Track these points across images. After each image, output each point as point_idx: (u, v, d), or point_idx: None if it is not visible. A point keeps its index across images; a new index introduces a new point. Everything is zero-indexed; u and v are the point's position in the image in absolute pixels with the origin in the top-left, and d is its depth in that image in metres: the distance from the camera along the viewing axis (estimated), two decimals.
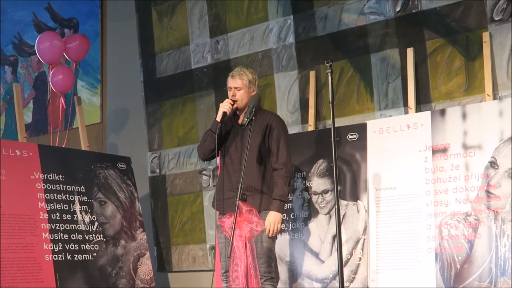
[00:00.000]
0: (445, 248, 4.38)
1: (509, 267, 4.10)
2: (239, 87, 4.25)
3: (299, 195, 5.03)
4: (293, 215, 5.00)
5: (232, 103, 4.23)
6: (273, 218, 4.14)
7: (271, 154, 4.25)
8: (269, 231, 4.13)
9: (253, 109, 4.21)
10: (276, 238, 4.30)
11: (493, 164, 4.30)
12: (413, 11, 4.91)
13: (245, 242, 4.17)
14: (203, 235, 5.91)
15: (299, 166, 5.03)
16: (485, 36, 4.57)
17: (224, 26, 5.94)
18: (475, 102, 4.57)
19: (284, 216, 5.04)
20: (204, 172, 5.96)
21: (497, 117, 4.32)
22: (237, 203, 4.11)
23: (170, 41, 6.29)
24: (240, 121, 4.31)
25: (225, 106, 4.21)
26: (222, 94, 5.89)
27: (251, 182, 4.18)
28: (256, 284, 4.09)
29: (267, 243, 4.20)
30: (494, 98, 4.48)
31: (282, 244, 4.95)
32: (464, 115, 4.46)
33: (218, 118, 4.23)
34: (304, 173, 5.01)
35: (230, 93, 4.27)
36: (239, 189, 4.06)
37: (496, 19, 4.57)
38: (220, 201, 4.29)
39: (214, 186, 5.84)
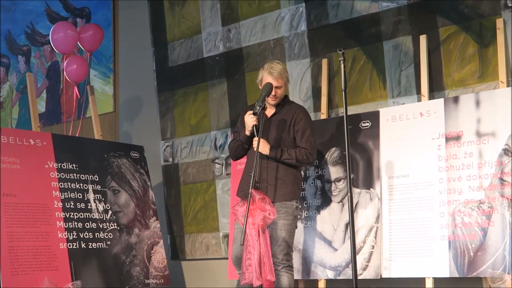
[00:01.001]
0: (458, 236, 4.37)
1: None
2: (280, 86, 4.33)
3: (312, 183, 5.03)
4: (306, 204, 5.01)
5: (254, 115, 4.24)
6: (263, 147, 4.19)
7: (296, 143, 4.33)
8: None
9: (265, 97, 4.26)
10: (296, 227, 4.36)
11: (506, 151, 4.28)
12: None
13: (258, 230, 4.19)
14: (216, 224, 5.93)
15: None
16: (499, 23, 4.53)
17: (236, 15, 5.93)
18: (489, 89, 4.54)
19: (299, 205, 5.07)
20: (217, 160, 5.98)
21: (510, 104, 4.30)
22: (250, 192, 4.12)
23: (182, 30, 6.29)
24: (269, 114, 4.39)
25: (253, 121, 4.23)
26: (234, 83, 5.90)
27: (275, 173, 4.25)
28: (270, 272, 4.11)
29: (286, 231, 4.25)
30: (508, 85, 4.45)
31: (296, 233, 4.96)
32: (477, 103, 4.44)
33: (248, 133, 4.30)
34: (317, 161, 5.00)
35: (273, 92, 4.30)
36: (252, 177, 4.08)
37: (510, 5, 4.53)
38: (243, 190, 4.33)
39: (227, 174, 5.86)
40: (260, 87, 4.37)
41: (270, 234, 4.27)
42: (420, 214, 4.54)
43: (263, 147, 4.21)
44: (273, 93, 4.30)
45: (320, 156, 4.99)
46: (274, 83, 4.29)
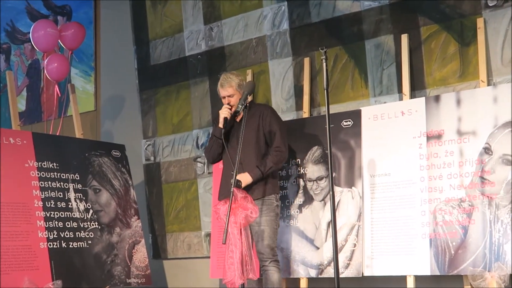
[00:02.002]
0: (439, 234, 4.39)
1: (503, 253, 4.12)
2: (231, 94, 4.48)
3: (294, 182, 5.03)
4: (287, 202, 5.01)
5: (230, 107, 4.46)
6: (244, 178, 4.29)
7: (268, 139, 4.47)
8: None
9: (247, 95, 4.30)
10: (278, 224, 4.47)
11: (487, 150, 4.31)
12: None
13: (240, 229, 4.19)
14: (198, 222, 5.92)
15: (294, 152, 5.03)
16: (480, 22, 4.56)
17: (218, 13, 5.92)
18: (470, 88, 4.57)
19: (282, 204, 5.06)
20: (198, 159, 5.96)
21: (491, 103, 4.33)
22: (231, 190, 4.12)
23: (164, 28, 6.27)
24: (238, 119, 4.50)
25: (224, 113, 4.43)
26: (216, 82, 5.86)
27: (251, 170, 4.34)
28: (252, 270, 4.11)
29: (269, 226, 4.35)
30: (489, 84, 4.48)
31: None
32: (458, 101, 4.46)
33: (221, 125, 4.43)
34: (299, 160, 5.01)
35: (224, 101, 4.50)
36: (234, 176, 4.08)
37: (490, 5, 4.56)
38: (225, 194, 4.38)
39: (209, 173, 5.84)
40: (220, 95, 4.57)
41: (254, 231, 4.35)
42: (402, 212, 4.55)
43: (245, 178, 4.31)
44: (226, 101, 4.49)
45: (302, 154, 4.99)
46: (222, 92, 4.51)
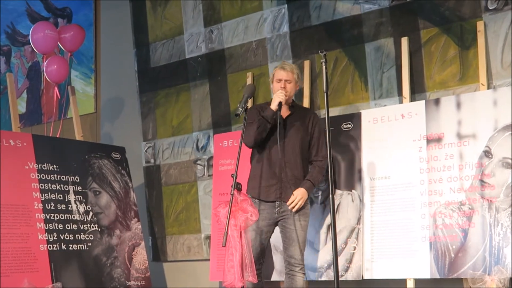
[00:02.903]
0: (439, 237, 4.39)
1: (502, 256, 4.12)
2: (290, 80, 4.36)
3: None
4: None
5: (285, 93, 4.32)
6: (300, 194, 4.25)
7: (311, 146, 4.42)
8: (292, 204, 4.24)
9: (248, 98, 4.30)
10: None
11: (487, 153, 4.31)
12: (408, 0, 4.90)
13: (240, 232, 4.18)
14: (198, 225, 5.92)
15: None
16: (480, 25, 4.57)
17: (218, 16, 5.92)
18: (470, 92, 4.57)
19: None
20: (198, 162, 5.96)
21: (491, 106, 4.33)
22: (232, 193, 4.12)
23: (164, 31, 6.27)
24: (283, 115, 4.38)
25: (281, 96, 4.28)
26: (216, 84, 5.89)
27: (294, 172, 4.32)
28: (252, 274, 4.10)
29: (304, 231, 4.31)
30: (488, 88, 4.49)
31: (277, 234, 4.96)
32: (458, 105, 4.47)
33: (274, 107, 4.28)
34: None
35: (279, 85, 4.35)
36: (234, 179, 4.06)
37: (490, 8, 4.57)
38: (256, 188, 4.34)
39: (209, 176, 5.84)
40: (272, 85, 4.46)
41: (288, 235, 4.29)
42: (402, 215, 4.55)
43: (303, 195, 4.28)
44: (282, 85, 4.34)
45: None
46: (283, 75, 4.35)
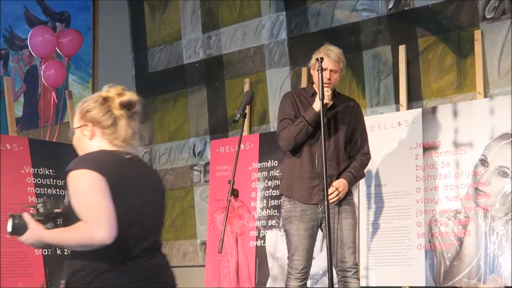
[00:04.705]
0: (435, 245, 4.39)
1: (498, 265, 4.12)
2: (335, 70, 3.82)
3: None
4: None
5: (330, 92, 3.78)
6: (341, 185, 3.76)
7: (354, 141, 3.94)
8: (331, 195, 3.70)
9: (246, 105, 4.14)
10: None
11: (483, 162, 4.32)
12: (406, 8, 4.91)
13: (236, 238, 4.18)
14: (194, 231, 5.91)
15: None
16: (477, 34, 4.58)
17: (217, 21, 5.93)
18: (466, 100, 4.58)
19: (275, 212, 5.04)
20: (195, 167, 5.96)
21: (488, 115, 4.34)
22: (228, 199, 4.11)
23: (163, 36, 6.28)
24: (329, 105, 3.80)
25: (326, 97, 3.70)
26: (214, 90, 5.89)
27: (337, 169, 3.85)
28: (247, 281, 4.10)
29: (353, 230, 3.84)
30: (485, 96, 4.50)
31: (273, 240, 4.96)
32: (455, 113, 4.47)
33: (318, 109, 3.70)
34: None
35: (323, 74, 3.69)
36: (231, 185, 4.03)
37: (488, 17, 4.58)
38: (296, 189, 3.83)
39: (205, 181, 5.83)
40: (312, 72, 3.88)
41: (335, 237, 3.78)
42: (398, 223, 4.55)
43: (344, 186, 3.78)
44: (327, 76, 3.76)
45: None
46: (330, 66, 3.78)
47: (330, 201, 3.68)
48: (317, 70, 3.65)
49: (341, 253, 3.77)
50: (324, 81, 3.71)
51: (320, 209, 3.78)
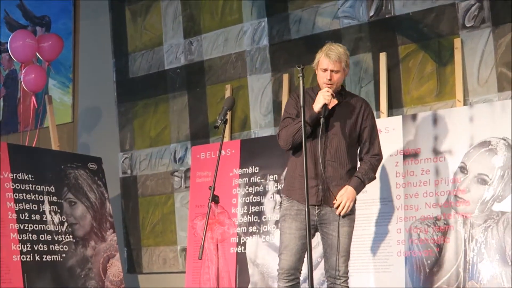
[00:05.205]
0: (414, 252, 4.41)
1: (477, 272, 4.15)
2: (336, 70, 3.70)
3: (271, 197, 5.03)
4: (264, 218, 5.00)
5: (331, 94, 3.68)
6: (348, 194, 3.67)
7: (362, 142, 3.83)
8: (339, 206, 3.66)
9: (227, 111, 4.14)
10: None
11: (462, 169, 4.35)
12: (386, 16, 4.94)
13: (217, 244, 4.17)
14: (174, 237, 5.88)
15: (271, 168, 5.03)
16: (457, 42, 4.62)
17: (198, 27, 5.92)
18: (446, 108, 4.61)
19: (256, 219, 5.04)
20: (176, 173, 5.94)
21: (467, 122, 4.37)
22: (209, 205, 4.09)
23: (144, 41, 6.26)
24: (331, 105, 3.72)
25: (326, 97, 3.64)
26: (195, 96, 5.88)
27: (339, 171, 3.74)
28: (228, 286, 4.09)
29: (348, 239, 3.75)
30: (465, 104, 4.53)
31: (253, 247, 4.95)
32: (435, 120, 4.50)
33: (317, 109, 3.65)
34: (276, 175, 5.01)
35: (324, 76, 3.70)
36: (211, 191, 4.02)
37: (467, 25, 4.62)
38: (295, 188, 3.76)
39: (186, 187, 5.81)
40: (316, 71, 3.79)
41: (329, 243, 3.73)
42: (378, 229, 4.57)
43: (351, 194, 3.70)
44: (328, 77, 3.69)
45: (279, 170, 4.99)
46: (329, 65, 3.69)
47: (339, 214, 3.67)
48: (299, 78, 3.60)
49: (334, 260, 3.72)
50: (325, 81, 3.69)
51: (316, 212, 3.71)
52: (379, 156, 3.85)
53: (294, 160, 3.82)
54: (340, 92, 3.80)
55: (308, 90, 3.89)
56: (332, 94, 3.67)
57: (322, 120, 3.63)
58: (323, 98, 3.64)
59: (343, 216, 3.70)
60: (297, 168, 3.77)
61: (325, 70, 3.70)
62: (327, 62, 3.69)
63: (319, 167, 3.68)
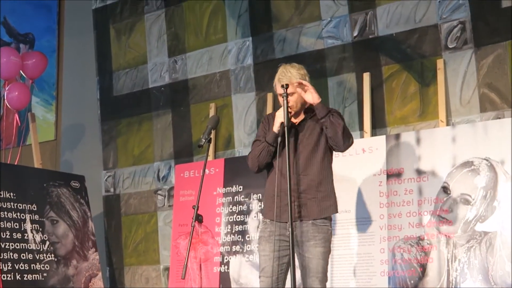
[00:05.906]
0: (398, 272, 4.41)
1: None
2: (290, 92, 3.73)
3: (255, 216, 5.02)
4: (248, 237, 4.99)
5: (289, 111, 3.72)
6: (314, 98, 3.70)
7: (329, 136, 3.76)
8: (303, 83, 3.69)
9: (211, 130, 4.13)
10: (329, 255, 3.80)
11: (445, 189, 4.37)
12: (370, 36, 4.98)
13: (200, 264, 4.15)
14: (157, 256, 5.85)
15: (255, 187, 5.02)
16: (440, 63, 4.66)
17: (183, 46, 5.93)
18: (429, 128, 4.64)
19: (239, 238, 5.03)
20: (159, 192, 5.91)
21: (450, 143, 4.40)
22: (192, 225, 4.07)
23: (128, 60, 6.26)
24: (296, 121, 3.80)
25: (282, 116, 3.70)
26: (179, 114, 5.88)
27: (311, 178, 3.73)
28: None
29: (324, 260, 3.70)
30: (448, 124, 4.56)
31: (237, 266, 4.93)
32: (418, 140, 4.53)
33: (276, 129, 3.73)
34: (260, 194, 5.00)
35: (281, 100, 3.73)
36: (195, 210, 3.99)
37: (450, 46, 4.67)
38: (271, 209, 3.74)
39: (169, 206, 5.79)
40: (277, 93, 3.84)
41: (304, 265, 3.70)
42: (361, 249, 4.57)
43: (317, 94, 3.70)
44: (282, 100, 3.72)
45: (263, 189, 4.96)
46: (281, 90, 3.72)
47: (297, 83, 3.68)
48: (282, 97, 3.67)
49: (309, 282, 3.69)
50: (282, 104, 3.71)
51: (288, 231, 3.57)
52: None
53: (267, 182, 3.87)
54: (308, 108, 3.82)
55: (273, 113, 3.92)
56: (290, 112, 3.69)
57: (279, 139, 3.68)
58: (278, 117, 3.71)
59: (316, 237, 3.67)
60: (269, 188, 3.83)
61: (281, 95, 3.74)
62: (279, 87, 3.76)
63: (292, 183, 3.64)
